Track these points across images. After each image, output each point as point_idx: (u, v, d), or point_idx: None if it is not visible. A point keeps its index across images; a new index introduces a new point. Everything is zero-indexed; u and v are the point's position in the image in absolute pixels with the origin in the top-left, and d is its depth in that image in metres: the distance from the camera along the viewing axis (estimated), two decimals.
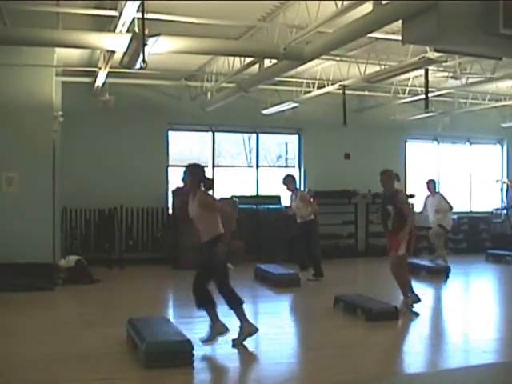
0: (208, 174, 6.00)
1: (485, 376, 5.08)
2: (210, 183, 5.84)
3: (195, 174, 5.79)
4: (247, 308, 8.25)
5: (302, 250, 9.98)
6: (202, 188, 5.78)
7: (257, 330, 5.89)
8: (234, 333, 6.04)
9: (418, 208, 12.89)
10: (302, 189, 13.58)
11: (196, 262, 6.04)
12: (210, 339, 5.77)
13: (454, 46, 4.99)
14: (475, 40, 4.35)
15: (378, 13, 5.74)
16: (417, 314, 7.27)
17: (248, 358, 5.66)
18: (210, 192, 5.90)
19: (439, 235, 11.24)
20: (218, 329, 5.81)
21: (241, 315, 5.87)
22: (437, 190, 11.68)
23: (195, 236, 5.95)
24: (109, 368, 5.13)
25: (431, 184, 11.35)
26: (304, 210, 9.74)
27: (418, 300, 7.47)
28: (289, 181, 9.97)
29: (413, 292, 7.50)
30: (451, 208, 11.27)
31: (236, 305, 5.87)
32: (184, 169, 5.86)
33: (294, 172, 13.80)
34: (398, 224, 7.26)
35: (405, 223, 7.20)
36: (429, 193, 11.38)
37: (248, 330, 5.84)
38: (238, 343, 5.80)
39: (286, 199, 12.76)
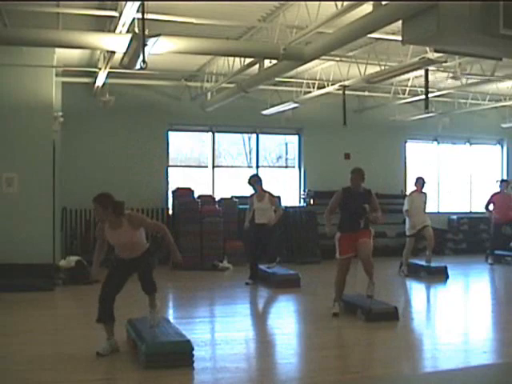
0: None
1: (484, 376, 5.09)
2: (121, 206, 5.36)
3: (109, 203, 5.31)
4: (247, 308, 8.32)
5: (266, 250, 9.70)
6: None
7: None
8: (235, 332, 6.03)
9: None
10: (303, 189, 13.62)
11: (113, 274, 5.75)
12: (104, 353, 5.38)
13: (454, 46, 4.99)
14: (475, 40, 4.36)
15: (378, 13, 5.75)
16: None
17: (248, 359, 5.66)
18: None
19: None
20: (113, 344, 5.50)
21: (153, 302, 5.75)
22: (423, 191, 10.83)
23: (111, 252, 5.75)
24: (109, 368, 5.13)
25: (421, 181, 10.63)
26: (271, 212, 9.47)
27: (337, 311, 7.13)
28: (254, 180, 9.63)
29: (342, 300, 7.29)
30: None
31: (152, 291, 5.85)
32: (95, 203, 5.31)
33: (294, 172, 13.87)
34: (368, 222, 7.39)
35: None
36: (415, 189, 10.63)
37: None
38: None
39: (285, 199, 12.80)
